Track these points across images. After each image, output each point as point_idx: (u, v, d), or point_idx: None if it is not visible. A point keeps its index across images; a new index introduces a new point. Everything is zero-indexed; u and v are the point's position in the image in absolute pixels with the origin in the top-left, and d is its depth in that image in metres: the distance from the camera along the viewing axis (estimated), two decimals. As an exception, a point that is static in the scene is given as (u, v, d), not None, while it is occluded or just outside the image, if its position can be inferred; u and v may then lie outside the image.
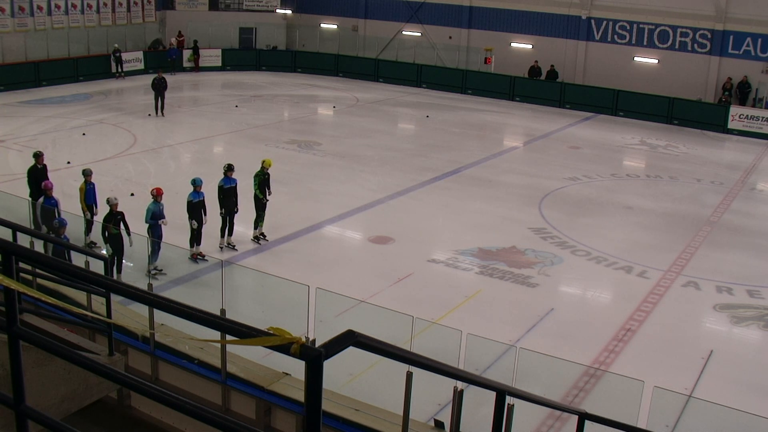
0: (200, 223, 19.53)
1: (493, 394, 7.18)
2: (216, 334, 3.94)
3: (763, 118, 39.76)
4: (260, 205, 21.04)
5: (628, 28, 45.21)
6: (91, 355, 8.25)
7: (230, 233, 20.61)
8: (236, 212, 20.52)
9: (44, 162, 21.48)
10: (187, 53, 49.29)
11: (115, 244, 17.71)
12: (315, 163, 29.51)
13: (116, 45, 46.11)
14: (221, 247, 20.37)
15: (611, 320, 17.74)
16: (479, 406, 10.86)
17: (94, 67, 44.80)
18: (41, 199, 18.59)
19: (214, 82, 47.20)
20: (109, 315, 10.00)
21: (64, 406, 7.28)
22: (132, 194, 23.68)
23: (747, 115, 40.17)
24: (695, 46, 43.63)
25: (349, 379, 13.84)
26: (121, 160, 28.20)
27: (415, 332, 13.09)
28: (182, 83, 46.00)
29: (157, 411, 11.34)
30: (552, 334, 16.92)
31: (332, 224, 23.09)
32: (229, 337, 3.88)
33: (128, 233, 17.77)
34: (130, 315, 13.32)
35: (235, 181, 20.40)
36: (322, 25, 54.29)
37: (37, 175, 21.08)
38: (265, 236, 21.24)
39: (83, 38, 45.30)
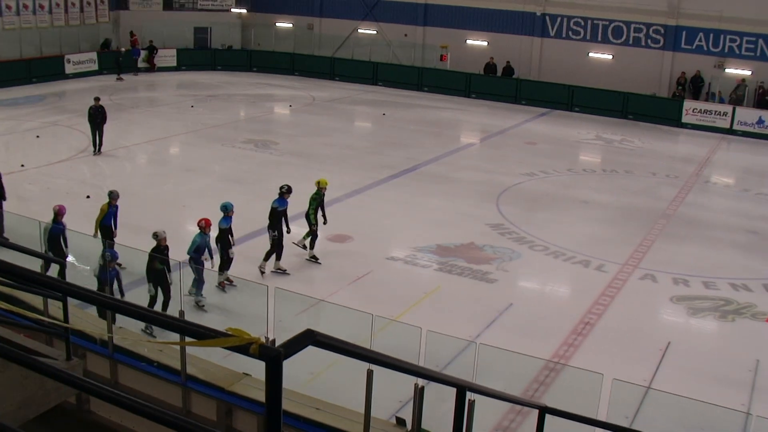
0: (230, 249, 18.25)
1: (454, 390, 7.20)
2: (175, 336, 3.92)
3: (716, 112, 40.27)
4: (312, 230, 20.24)
5: (583, 24, 45.58)
6: (48, 360, 8.16)
7: (279, 257, 19.41)
8: (289, 232, 19.58)
9: None
10: (142, 53, 48.87)
11: (160, 280, 16.30)
12: (272, 162, 29.43)
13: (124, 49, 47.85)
14: (262, 271, 19.12)
15: (570, 314, 17.87)
16: (441, 402, 10.89)
17: (48, 68, 44.25)
18: (48, 224, 17.29)
19: (170, 82, 46.87)
20: (66, 319, 9.90)
21: (21, 412, 7.19)
22: (88, 197, 23.47)
23: (700, 109, 40.68)
24: (649, 41, 44.09)
25: (310, 378, 13.82)
26: (76, 162, 27.93)
27: (375, 330, 13.10)
28: (137, 84, 45.66)
29: (117, 415, 11.25)
30: (511, 329, 17.01)
31: (291, 224, 22.98)
32: (188, 339, 3.86)
33: (169, 270, 16.25)
34: (88, 318, 13.20)
35: (287, 203, 19.48)
36: (277, 23, 54.09)
37: None
38: (316, 258, 20.32)
39: (35, 39, 44.76)
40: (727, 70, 42.15)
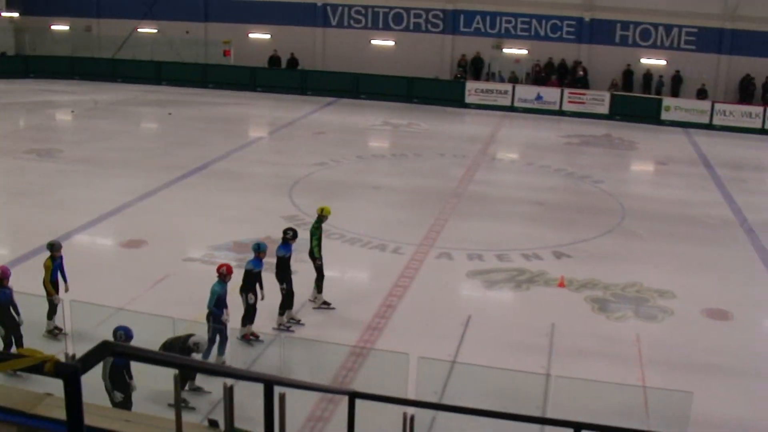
0: (256, 298, 15.95)
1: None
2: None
3: (497, 91, 41.89)
4: (317, 266, 17.83)
5: (364, 12, 46.28)
6: None
7: (290, 306, 16.94)
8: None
9: None
10: None
11: None
12: (58, 171, 28.33)
13: None
14: (279, 326, 16.52)
15: (371, 298, 18.10)
16: (254, 398, 10.87)
17: None
18: None
19: (-62, 94, 44.34)
20: None
21: None
22: None
23: (482, 90, 42.18)
24: (429, 26, 45.30)
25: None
26: None
27: (177, 333, 12.90)
28: None
29: None
30: (315, 318, 17.06)
31: (81, 233, 22.22)
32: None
33: None
34: None
35: (292, 248, 17.17)
36: (52, 26, 52.01)
37: None
38: (329, 304, 17.69)
39: None
40: (504, 51, 43.86)
